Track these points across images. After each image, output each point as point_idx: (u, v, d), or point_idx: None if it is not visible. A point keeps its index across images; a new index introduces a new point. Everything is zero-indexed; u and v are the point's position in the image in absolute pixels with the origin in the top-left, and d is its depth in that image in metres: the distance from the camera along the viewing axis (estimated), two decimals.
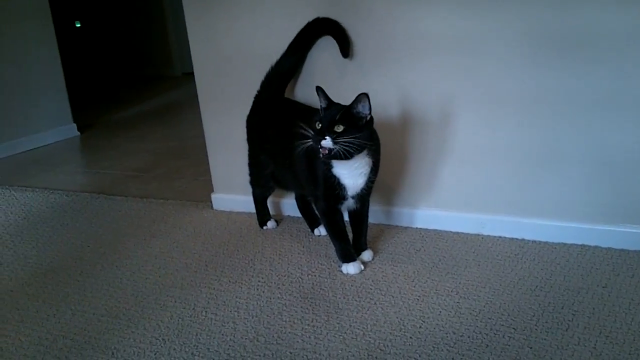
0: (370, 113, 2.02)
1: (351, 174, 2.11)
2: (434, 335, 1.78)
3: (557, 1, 2.06)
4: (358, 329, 1.85)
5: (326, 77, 2.49)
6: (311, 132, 2.01)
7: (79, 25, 8.81)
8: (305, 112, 2.34)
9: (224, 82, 2.75)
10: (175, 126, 5.22)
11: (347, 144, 1.96)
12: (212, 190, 3.01)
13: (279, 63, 2.52)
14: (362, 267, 2.21)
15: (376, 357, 1.71)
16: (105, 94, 7.48)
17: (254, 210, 2.70)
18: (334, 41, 2.42)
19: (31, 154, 4.56)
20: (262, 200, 2.69)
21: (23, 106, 4.65)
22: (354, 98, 1.99)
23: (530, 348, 1.69)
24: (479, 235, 2.41)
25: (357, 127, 1.99)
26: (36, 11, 4.72)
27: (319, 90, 2.07)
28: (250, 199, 2.70)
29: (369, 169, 2.13)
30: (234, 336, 1.86)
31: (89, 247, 2.62)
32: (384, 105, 2.40)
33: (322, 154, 1.99)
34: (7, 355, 1.88)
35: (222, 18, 2.64)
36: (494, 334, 1.76)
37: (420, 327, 1.83)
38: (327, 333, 1.84)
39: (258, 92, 2.57)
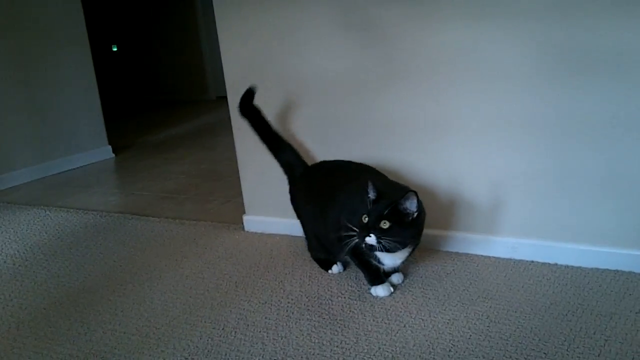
0: (417, 210, 2.00)
1: (392, 258, 2.11)
2: None
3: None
4: (387, 351, 1.84)
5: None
6: (356, 227, 2.01)
7: (115, 49, 9.01)
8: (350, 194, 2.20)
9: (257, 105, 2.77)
10: (209, 149, 5.28)
11: (390, 242, 1.97)
12: (244, 212, 3.03)
13: (280, 159, 2.57)
14: (392, 290, 2.20)
15: None
16: (140, 117, 7.60)
17: (284, 232, 2.71)
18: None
19: (67, 175, 4.65)
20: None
21: (60, 128, 4.76)
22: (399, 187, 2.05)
23: None
24: (510, 259, 2.39)
25: (403, 224, 1.99)
26: (74, 36, 4.85)
27: (369, 182, 2.02)
28: (281, 220, 2.71)
29: (409, 253, 2.13)
30: (262, 357, 1.86)
31: (121, 267, 2.65)
32: (413, 125, 2.42)
33: (365, 247, 2.01)
34: None
35: (255, 42, 2.68)
36: (525, 358, 1.74)
37: (450, 350, 1.81)
38: (356, 355, 1.83)
39: (288, 175, 2.57)
